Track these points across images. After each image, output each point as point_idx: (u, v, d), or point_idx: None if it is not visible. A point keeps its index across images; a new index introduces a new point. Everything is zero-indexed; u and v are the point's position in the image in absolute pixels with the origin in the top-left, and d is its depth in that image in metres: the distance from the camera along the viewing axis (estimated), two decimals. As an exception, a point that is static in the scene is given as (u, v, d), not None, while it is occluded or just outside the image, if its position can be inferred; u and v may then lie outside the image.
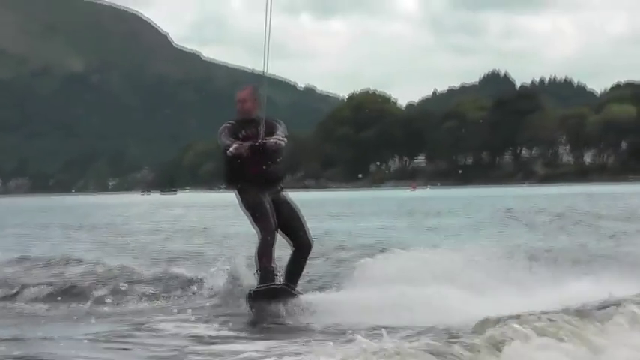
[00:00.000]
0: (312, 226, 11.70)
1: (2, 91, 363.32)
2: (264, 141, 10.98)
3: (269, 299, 10.54)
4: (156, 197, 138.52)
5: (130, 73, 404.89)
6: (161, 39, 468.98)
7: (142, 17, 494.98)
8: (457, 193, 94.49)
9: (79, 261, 16.91)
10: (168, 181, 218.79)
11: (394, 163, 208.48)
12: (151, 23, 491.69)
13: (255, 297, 10.63)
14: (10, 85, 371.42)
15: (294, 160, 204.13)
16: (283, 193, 11.29)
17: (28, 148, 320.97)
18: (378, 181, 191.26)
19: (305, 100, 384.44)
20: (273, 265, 10.75)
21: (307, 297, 10.89)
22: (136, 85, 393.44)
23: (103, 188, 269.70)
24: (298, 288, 11.15)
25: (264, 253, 10.73)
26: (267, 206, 10.91)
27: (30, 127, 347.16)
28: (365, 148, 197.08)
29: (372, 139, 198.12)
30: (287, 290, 10.72)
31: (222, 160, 11.24)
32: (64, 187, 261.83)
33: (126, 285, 13.37)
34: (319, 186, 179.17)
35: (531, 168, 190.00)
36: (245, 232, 13.87)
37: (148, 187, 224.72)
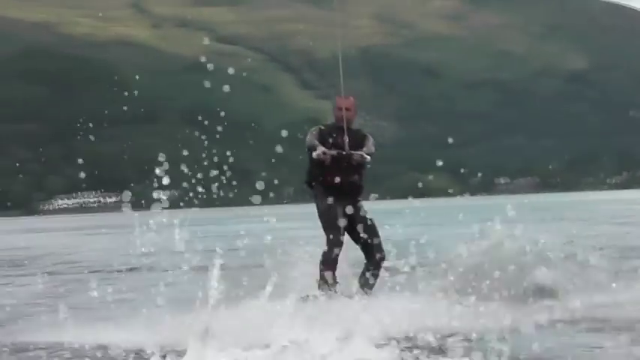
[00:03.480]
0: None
1: (503, 92, 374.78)
2: (351, 152, 10.98)
3: None
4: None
5: (631, 69, 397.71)
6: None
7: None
8: None
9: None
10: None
11: None
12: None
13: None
14: (511, 85, 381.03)
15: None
16: (360, 204, 11.12)
17: (532, 147, 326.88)
18: None
19: None
20: (333, 275, 10.56)
21: None
22: (638, 81, 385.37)
23: (607, 186, 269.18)
24: None
25: (327, 263, 10.65)
26: (338, 217, 10.73)
27: (532, 126, 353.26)
28: None
29: None
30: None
31: (306, 160, 11.14)
32: (568, 185, 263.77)
33: None
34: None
35: None
36: None
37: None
